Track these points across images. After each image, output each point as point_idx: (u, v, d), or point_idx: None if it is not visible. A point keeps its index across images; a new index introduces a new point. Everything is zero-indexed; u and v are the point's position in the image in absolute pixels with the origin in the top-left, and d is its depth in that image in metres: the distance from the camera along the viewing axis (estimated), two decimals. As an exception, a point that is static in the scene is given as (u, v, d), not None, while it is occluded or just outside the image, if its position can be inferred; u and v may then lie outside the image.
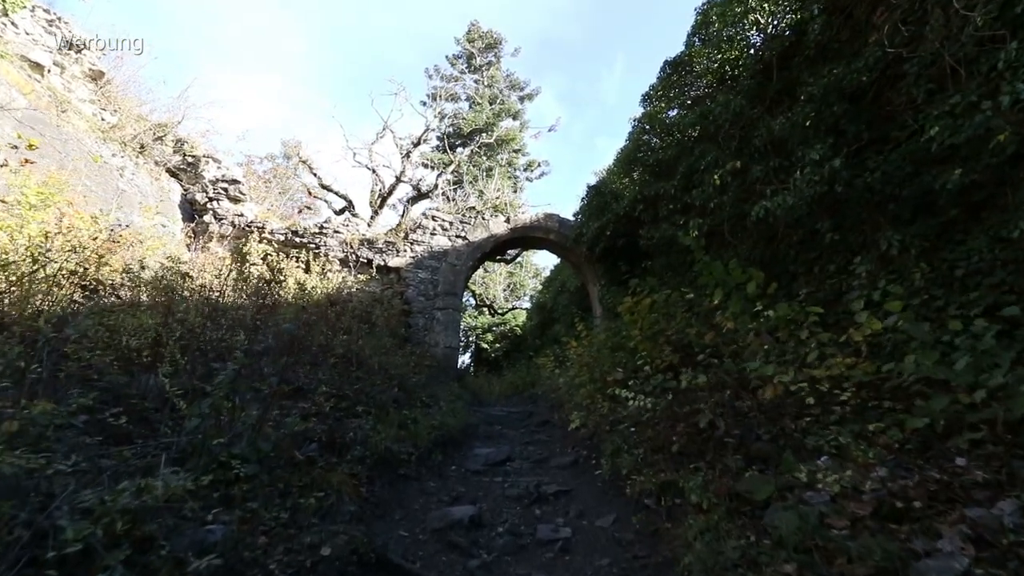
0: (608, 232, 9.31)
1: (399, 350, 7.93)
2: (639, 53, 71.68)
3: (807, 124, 5.13)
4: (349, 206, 21.11)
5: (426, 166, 25.27)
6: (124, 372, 3.92)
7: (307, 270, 10.19)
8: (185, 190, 11.05)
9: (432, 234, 10.91)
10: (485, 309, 22.89)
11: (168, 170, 10.91)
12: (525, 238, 11.53)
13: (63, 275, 4.39)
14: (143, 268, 5.68)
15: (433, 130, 24.89)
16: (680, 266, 8.02)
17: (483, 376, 17.14)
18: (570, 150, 55.44)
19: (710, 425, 3.52)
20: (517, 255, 19.13)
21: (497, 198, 18.92)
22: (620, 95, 65.66)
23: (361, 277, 10.45)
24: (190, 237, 10.19)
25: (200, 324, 4.42)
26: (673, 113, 8.36)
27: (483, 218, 11.19)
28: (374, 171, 21.37)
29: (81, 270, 4.65)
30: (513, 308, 23.20)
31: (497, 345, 20.77)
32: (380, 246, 10.72)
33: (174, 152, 11.02)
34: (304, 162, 21.07)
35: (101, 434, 3.13)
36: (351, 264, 10.54)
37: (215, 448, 2.83)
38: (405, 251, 10.73)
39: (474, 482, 4.47)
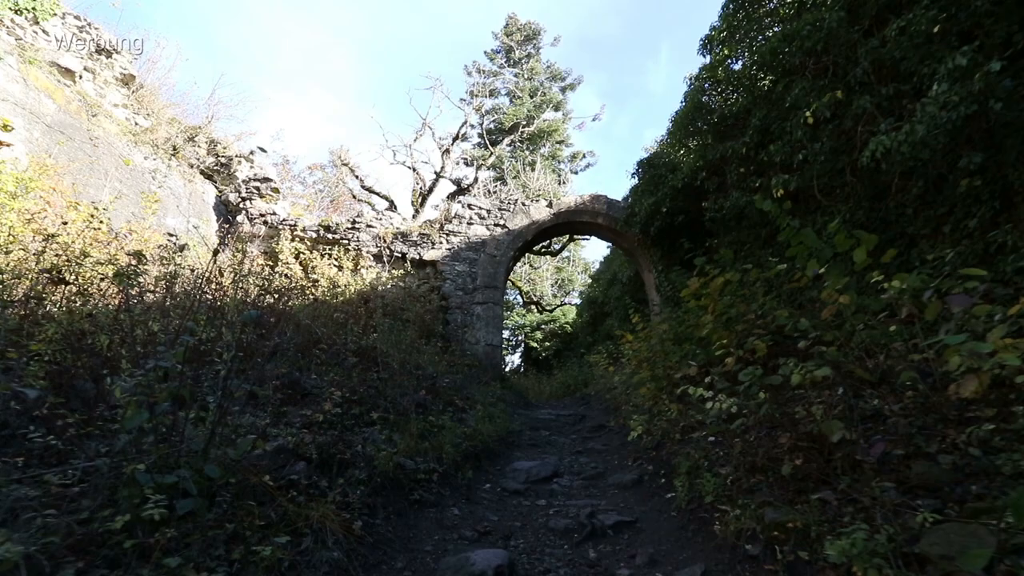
0: (664, 209, 8.15)
1: (430, 347, 7.15)
2: (685, 39, 68.52)
3: (935, 31, 3.87)
4: (391, 206, 20.85)
5: (468, 163, 24.72)
6: (87, 376, 3.29)
7: (340, 267, 9.67)
8: (220, 191, 10.83)
9: (469, 224, 10.10)
10: (533, 307, 21.95)
11: (202, 172, 10.72)
12: (570, 223, 10.50)
13: (36, 270, 3.84)
14: (140, 262, 5.16)
15: (473, 126, 24.31)
16: (754, 241, 6.80)
17: (532, 376, 16.25)
18: (616, 147, 53.50)
19: (842, 440, 2.42)
20: (563, 247, 18.11)
21: (540, 189, 17.99)
22: (667, 84, 62.88)
23: (396, 272, 9.81)
24: (221, 237, 9.90)
25: (178, 321, 3.75)
26: (738, 66, 7.14)
27: (523, 204, 10.27)
28: (414, 169, 21.03)
29: (63, 263, 4.10)
30: (562, 304, 22.12)
31: (547, 344, 19.77)
32: (414, 239, 10.04)
33: (207, 153, 10.84)
34: (346, 164, 21.00)
35: (27, 454, 2.48)
36: (385, 259, 9.91)
37: (142, 476, 2.06)
38: (441, 243, 9.99)
39: (510, 507, 3.55)
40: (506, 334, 21.42)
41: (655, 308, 9.63)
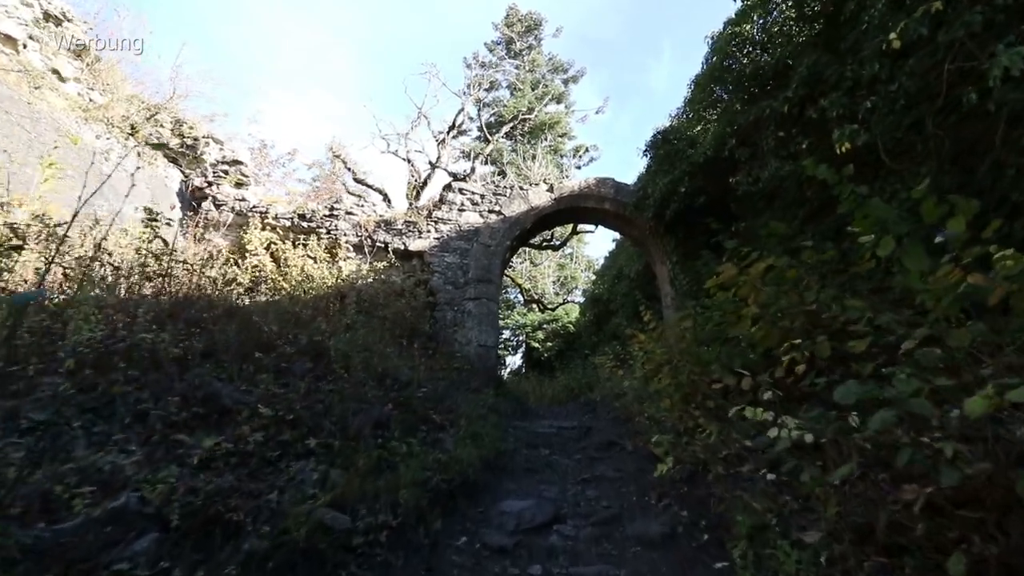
0: (683, 189, 7.07)
1: (408, 349, 6.09)
2: (687, 36, 67.30)
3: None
4: (385, 200, 19.84)
5: (466, 157, 23.67)
6: None
7: (314, 258, 8.62)
8: (185, 176, 9.79)
9: (460, 210, 9.03)
10: (534, 305, 20.86)
11: (166, 154, 9.69)
12: (574, 209, 9.40)
13: None
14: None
15: (473, 119, 23.24)
16: (790, 222, 5.69)
17: (533, 378, 15.16)
18: (618, 145, 52.08)
19: None
20: (565, 241, 17.02)
21: (542, 178, 16.93)
22: (670, 82, 61.44)
23: (378, 265, 8.75)
24: (183, 225, 8.85)
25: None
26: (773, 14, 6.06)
27: (520, 188, 9.19)
28: (409, 160, 20.01)
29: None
30: (564, 303, 21.02)
31: (548, 344, 18.67)
32: (399, 227, 8.97)
33: (172, 134, 9.79)
34: (338, 156, 20.01)
35: None
36: (366, 250, 8.85)
37: None
38: (428, 232, 8.91)
39: (490, 578, 2.48)
40: (506, 334, 20.32)
41: (669, 304, 8.56)
